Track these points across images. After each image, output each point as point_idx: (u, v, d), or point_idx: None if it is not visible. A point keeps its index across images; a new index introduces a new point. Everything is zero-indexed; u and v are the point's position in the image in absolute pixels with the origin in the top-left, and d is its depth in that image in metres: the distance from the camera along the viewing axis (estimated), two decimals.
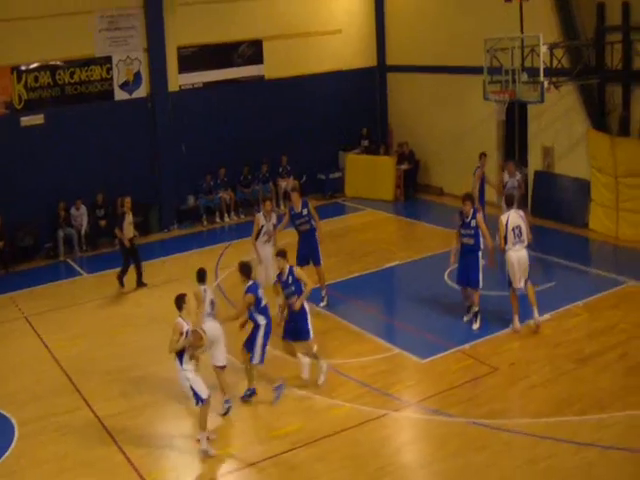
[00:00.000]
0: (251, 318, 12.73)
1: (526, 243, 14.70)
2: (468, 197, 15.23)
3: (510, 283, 14.81)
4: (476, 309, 15.19)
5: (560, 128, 21.56)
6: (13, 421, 12.81)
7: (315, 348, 13.38)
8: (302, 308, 13.06)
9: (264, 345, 12.63)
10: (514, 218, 14.69)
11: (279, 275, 13.25)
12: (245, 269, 12.71)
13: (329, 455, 11.31)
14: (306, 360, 13.38)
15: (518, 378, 13.10)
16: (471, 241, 15.06)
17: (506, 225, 14.63)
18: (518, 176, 19.43)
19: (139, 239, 19.57)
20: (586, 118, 20.58)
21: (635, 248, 18.93)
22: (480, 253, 15.11)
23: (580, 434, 11.27)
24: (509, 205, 15.11)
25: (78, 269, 21.02)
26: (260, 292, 12.66)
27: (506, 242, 14.64)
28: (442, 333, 15.17)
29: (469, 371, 13.51)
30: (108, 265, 20.43)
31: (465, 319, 15.55)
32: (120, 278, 18.95)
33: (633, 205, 19.29)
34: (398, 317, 16.51)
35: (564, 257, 18.53)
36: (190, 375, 11.46)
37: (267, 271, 15.97)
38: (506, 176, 19.34)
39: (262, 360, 12.63)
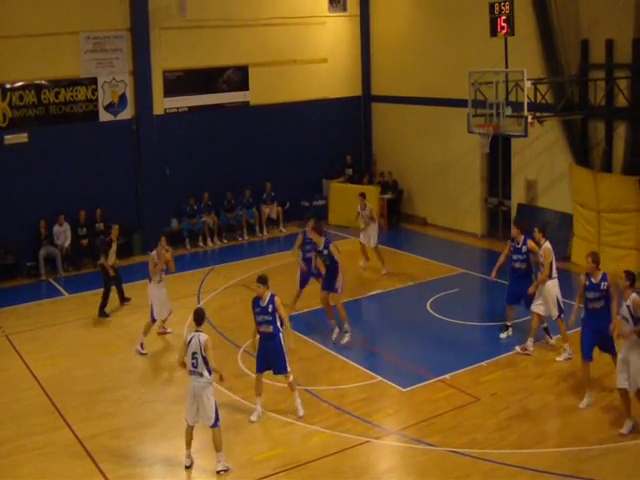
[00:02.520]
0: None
1: None
2: (517, 223, 15.64)
3: (561, 311, 15.13)
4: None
5: (543, 162, 21.79)
6: None
7: (291, 379, 13.21)
8: (278, 340, 12.93)
9: None
10: None
11: (257, 300, 13.03)
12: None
13: None
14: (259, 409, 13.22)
15: (499, 409, 13.13)
16: (523, 266, 15.59)
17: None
18: None
19: (120, 262, 19.50)
20: (569, 153, 20.82)
21: (616, 282, 19.01)
22: (533, 276, 15.51)
23: (560, 466, 11.30)
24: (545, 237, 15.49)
25: (60, 289, 20.89)
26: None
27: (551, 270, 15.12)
28: (423, 362, 15.19)
29: (450, 401, 13.53)
30: (90, 286, 20.36)
31: (502, 336, 16.06)
32: (102, 309, 18.62)
33: (615, 240, 19.47)
34: (380, 345, 16.51)
35: None
36: (213, 391, 11.59)
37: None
38: None
39: None
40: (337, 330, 16.42)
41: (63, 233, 22.08)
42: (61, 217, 22.02)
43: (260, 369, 13.17)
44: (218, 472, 11.53)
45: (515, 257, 15.61)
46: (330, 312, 16.53)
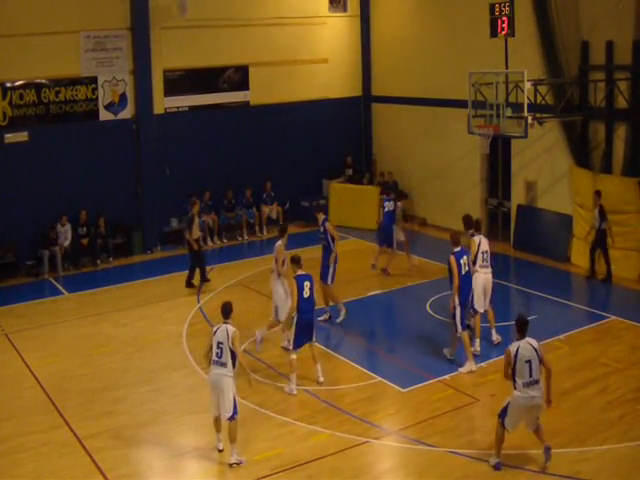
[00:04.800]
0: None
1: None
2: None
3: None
4: None
5: (543, 163, 21.79)
6: None
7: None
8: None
9: None
10: (485, 242, 15.31)
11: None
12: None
13: None
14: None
15: (499, 409, 13.09)
16: None
17: (478, 246, 15.14)
18: None
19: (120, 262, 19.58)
20: (569, 154, 20.83)
21: (616, 283, 19.11)
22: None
23: (559, 467, 11.30)
24: (479, 230, 15.59)
25: (60, 288, 20.87)
26: None
27: (475, 263, 15.09)
28: (423, 363, 15.19)
29: (449, 401, 13.52)
30: (90, 285, 20.42)
31: None
32: (188, 281, 19.70)
33: (615, 241, 19.45)
34: (380, 346, 16.51)
35: (546, 291, 18.66)
36: (234, 383, 11.78)
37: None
38: None
39: None
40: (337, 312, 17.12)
41: (64, 233, 22.06)
42: (64, 217, 22.00)
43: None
44: (231, 465, 11.68)
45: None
46: (322, 299, 16.90)
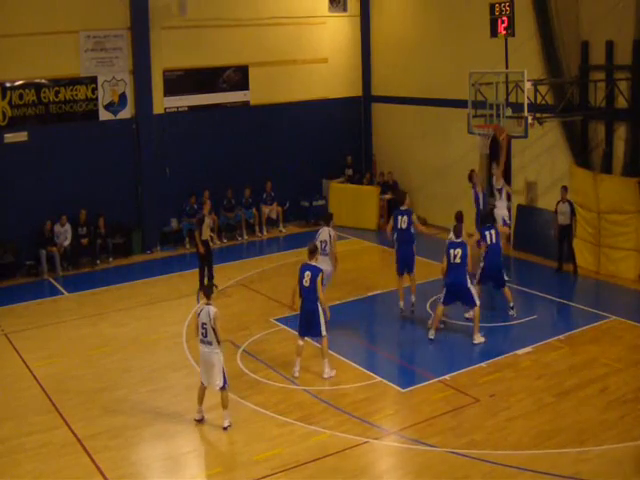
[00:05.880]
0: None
1: None
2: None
3: None
4: None
5: (543, 163, 21.78)
6: None
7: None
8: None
9: None
10: None
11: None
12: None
13: None
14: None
15: (498, 409, 13.12)
16: None
17: None
18: None
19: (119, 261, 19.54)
20: (569, 154, 20.81)
21: (616, 283, 19.11)
22: None
23: (559, 467, 11.29)
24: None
25: (59, 288, 20.85)
26: None
27: None
28: (423, 363, 15.22)
29: (449, 401, 13.51)
30: (89, 285, 20.42)
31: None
32: (201, 283, 19.30)
33: (614, 241, 19.48)
34: (379, 346, 16.51)
35: (546, 291, 18.67)
36: (222, 358, 12.61)
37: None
38: None
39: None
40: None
41: (64, 233, 22.02)
42: (64, 217, 21.94)
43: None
44: (225, 428, 12.59)
45: None
46: None
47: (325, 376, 14.46)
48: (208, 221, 19.58)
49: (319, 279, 14.19)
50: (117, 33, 23.07)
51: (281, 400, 13.62)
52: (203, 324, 12.50)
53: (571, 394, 13.54)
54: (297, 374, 14.50)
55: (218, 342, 12.49)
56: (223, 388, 12.58)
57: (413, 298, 17.67)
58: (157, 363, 15.63)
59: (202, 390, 12.84)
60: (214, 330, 12.40)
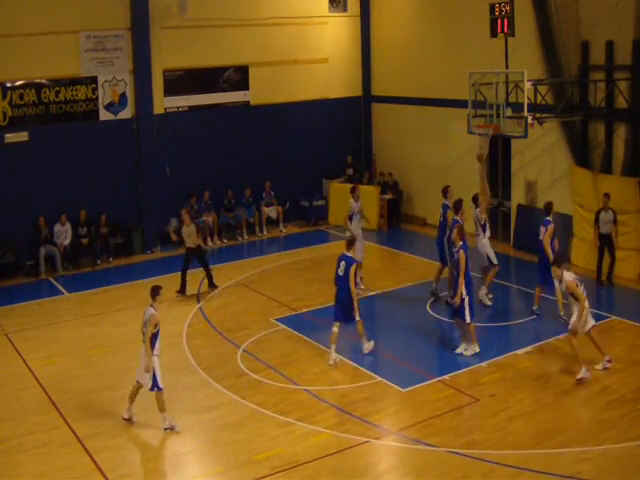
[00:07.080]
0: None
1: None
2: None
3: None
4: None
5: (543, 163, 21.79)
6: None
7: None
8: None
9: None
10: None
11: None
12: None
13: None
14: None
15: (498, 409, 13.12)
16: None
17: None
18: None
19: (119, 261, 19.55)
20: (569, 154, 20.82)
21: (617, 283, 19.10)
22: None
23: (559, 466, 11.30)
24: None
25: (59, 288, 20.86)
26: None
27: None
28: (423, 363, 15.21)
29: (449, 401, 13.52)
30: (89, 285, 20.44)
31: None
32: (210, 282, 19.83)
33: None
34: (379, 346, 16.48)
35: (546, 291, 18.59)
36: (157, 361, 12.56)
37: (362, 246, 18.75)
38: None
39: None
40: None
41: (64, 232, 22.03)
42: (63, 216, 21.97)
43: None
44: (165, 429, 12.59)
45: None
46: None
47: (365, 352, 15.44)
48: (189, 230, 19.48)
49: (352, 269, 14.85)
50: (117, 33, 23.09)
51: (281, 400, 13.63)
52: (144, 324, 12.60)
53: (571, 394, 13.55)
54: (332, 362, 15.04)
55: (147, 344, 12.44)
56: (152, 389, 12.60)
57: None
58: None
59: (136, 388, 12.91)
60: (144, 333, 12.54)
